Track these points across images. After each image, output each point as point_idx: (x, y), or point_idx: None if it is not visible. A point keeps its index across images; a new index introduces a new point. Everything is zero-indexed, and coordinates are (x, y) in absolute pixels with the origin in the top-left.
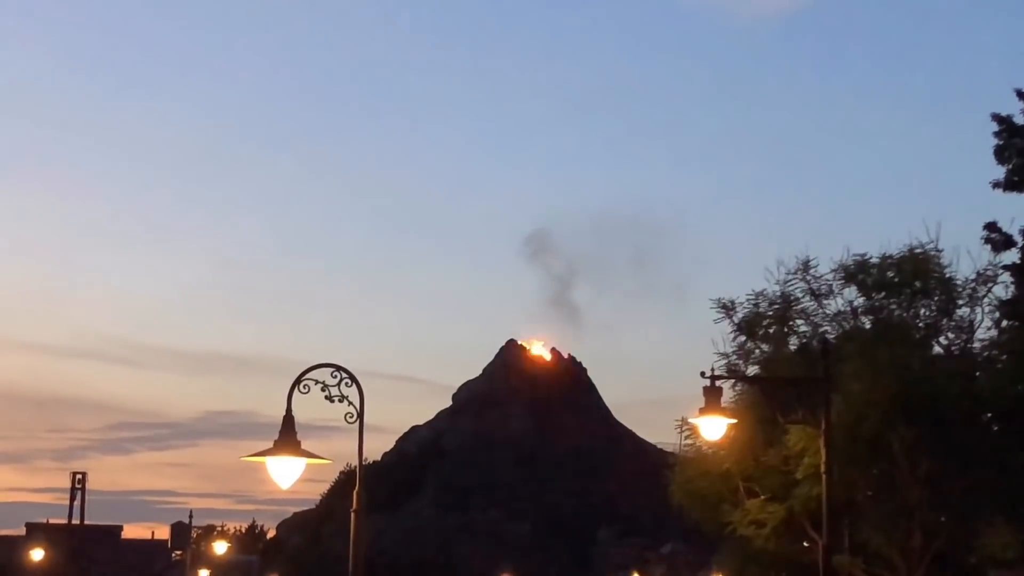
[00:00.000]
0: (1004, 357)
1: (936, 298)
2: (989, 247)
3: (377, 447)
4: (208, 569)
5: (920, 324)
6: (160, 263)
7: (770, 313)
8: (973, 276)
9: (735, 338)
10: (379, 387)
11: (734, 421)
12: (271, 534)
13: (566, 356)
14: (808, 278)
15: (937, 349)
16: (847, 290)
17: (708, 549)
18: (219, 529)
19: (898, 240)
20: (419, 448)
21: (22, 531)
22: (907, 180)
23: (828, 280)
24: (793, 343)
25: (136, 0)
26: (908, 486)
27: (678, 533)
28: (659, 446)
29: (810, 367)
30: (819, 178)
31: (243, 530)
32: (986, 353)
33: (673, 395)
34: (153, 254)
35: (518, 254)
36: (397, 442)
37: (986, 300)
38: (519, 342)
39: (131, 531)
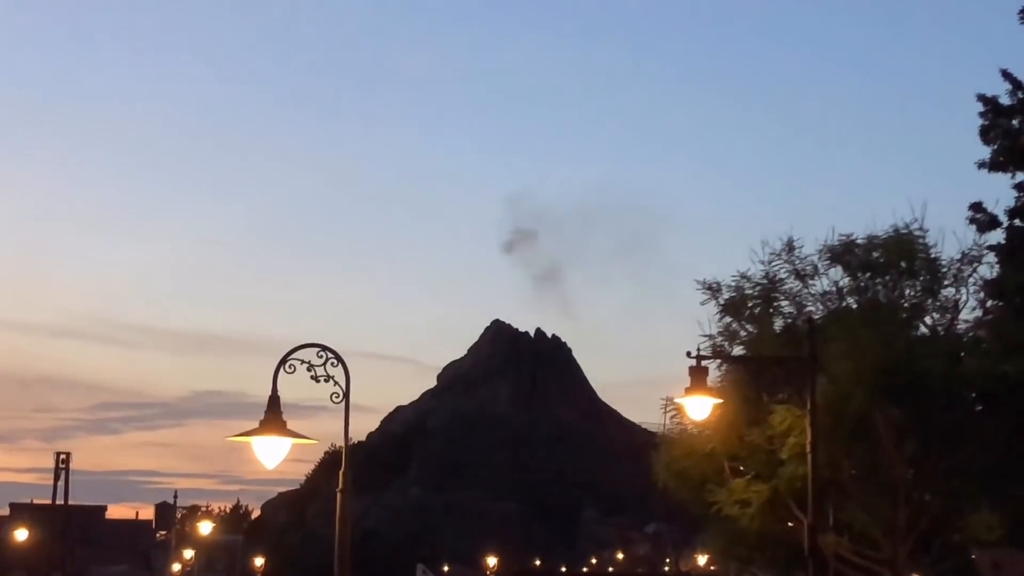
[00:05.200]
0: (989, 337)
1: (921, 278)
2: (974, 227)
3: (362, 427)
4: (193, 549)
5: (905, 304)
6: (146, 242)
7: (755, 293)
8: (958, 256)
9: (720, 319)
10: (365, 367)
11: (719, 401)
12: (255, 514)
13: (551, 336)
14: (793, 259)
15: (922, 329)
16: (833, 270)
17: (692, 529)
18: (204, 509)
19: (883, 221)
20: (404, 428)
21: (6, 511)
22: (893, 161)
23: (813, 261)
24: (778, 324)
25: None
26: (893, 466)
27: (662, 513)
28: (644, 426)
29: (795, 347)
30: (805, 159)
31: (227, 510)
32: (971, 333)
33: (658, 375)
34: (139, 233)
35: (505, 235)
36: (382, 422)
37: (971, 280)
38: (504, 322)
39: (116, 511)
